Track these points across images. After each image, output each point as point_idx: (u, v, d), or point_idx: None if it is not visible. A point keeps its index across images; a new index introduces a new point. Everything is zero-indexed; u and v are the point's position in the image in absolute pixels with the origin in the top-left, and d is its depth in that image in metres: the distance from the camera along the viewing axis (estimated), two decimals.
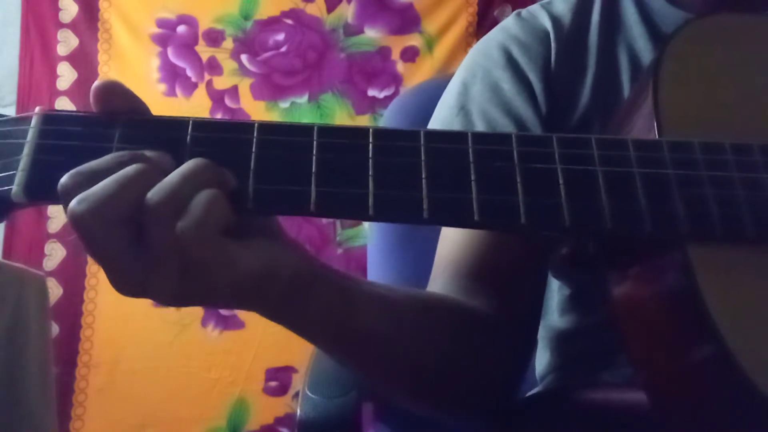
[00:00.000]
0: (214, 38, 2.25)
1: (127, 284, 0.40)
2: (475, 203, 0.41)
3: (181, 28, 2.24)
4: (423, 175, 0.41)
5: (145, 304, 2.11)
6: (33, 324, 1.49)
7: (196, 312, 2.11)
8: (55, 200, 0.40)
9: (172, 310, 2.11)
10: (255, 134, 0.41)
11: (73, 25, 2.21)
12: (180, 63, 2.23)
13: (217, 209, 0.39)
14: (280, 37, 2.27)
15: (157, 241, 0.38)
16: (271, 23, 2.27)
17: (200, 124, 0.42)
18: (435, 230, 0.68)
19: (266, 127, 0.42)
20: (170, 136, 0.41)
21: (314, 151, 0.41)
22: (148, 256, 0.39)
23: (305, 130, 0.42)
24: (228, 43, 2.25)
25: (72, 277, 2.11)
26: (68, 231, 1.99)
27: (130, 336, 2.09)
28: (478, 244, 0.63)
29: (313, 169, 0.40)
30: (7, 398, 1.42)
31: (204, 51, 2.24)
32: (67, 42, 2.20)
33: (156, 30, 2.23)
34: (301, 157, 0.41)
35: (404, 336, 0.54)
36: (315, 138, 0.41)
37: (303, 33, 2.27)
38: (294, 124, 0.42)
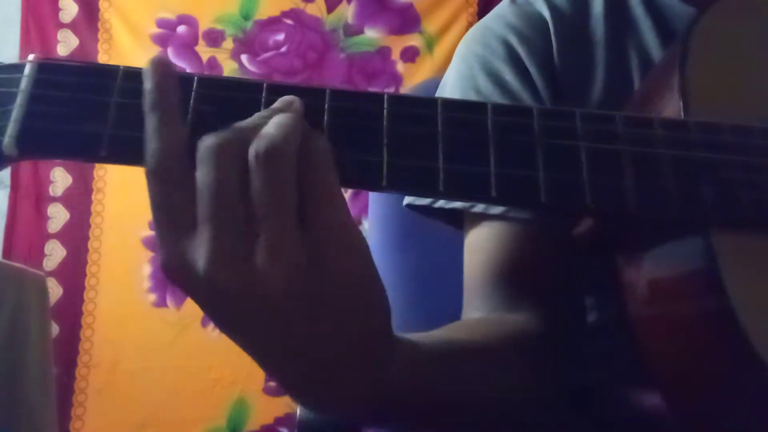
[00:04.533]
0: (214, 38, 2.25)
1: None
2: (493, 178, 0.39)
3: (181, 28, 2.24)
4: (439, 146, 0.39)
5: (145, 304, 2.11)
6: (33, 324, 1.49)
7: (196, 312, 2.11)
8: (48, 154, 0.38)
9: (172, 310, 2.11)
10: (264, 94, 0.39)
11: (73, 25, 2.21)
12: (180, 63, 2.22)
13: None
14: (280, 37, 2.27)
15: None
16: (271, 23, 2.27)
17: (204, 81, 0.40)
18: (435, 230, 0.68)
19: (274, 88, 0.40)
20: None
21: (325, 116, 0.39)
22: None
23: (316, 92, 0.40)
24: (228, 44, 2.25)
25: (72, 277, 2.11)
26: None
27: (130, 336, 2.09)
28: (510, 252, 0.59)
29: (324, 134, 0.38)
30: (7, 398, 1.42)
31: (204, 51, 2.24)
32: (67, 42, 2.20)
33: (156, 30, 2.23)
34: (310, 121, 0.39)
35: (471, 390, 0.48)
36: (327, 102, 0.39)
37: (303, 33, 2.27)
38: (304, 86, 0.40)
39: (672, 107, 0.46)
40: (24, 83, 0.38)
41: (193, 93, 0.39)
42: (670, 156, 0.42)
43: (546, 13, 0.67)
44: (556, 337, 0.55)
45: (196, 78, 0.39)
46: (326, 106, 0.39)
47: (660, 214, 0.41)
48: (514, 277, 0.58)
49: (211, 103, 0.39)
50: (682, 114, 0.45)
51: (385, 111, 0.40)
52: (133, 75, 0.39)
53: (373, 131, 0.39)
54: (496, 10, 0.72)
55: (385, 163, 0.39)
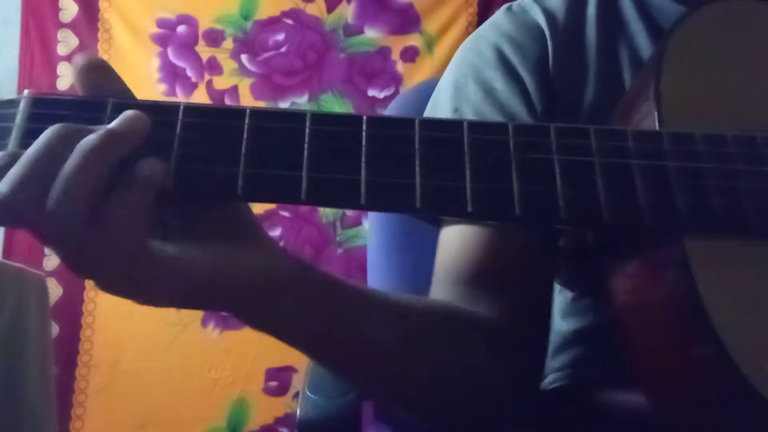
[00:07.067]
0: (214, 38, 2.25)
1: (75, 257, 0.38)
2: (468, 193, 0.40)
3: (181, 28, 2.24)
4: (417, 164, 0.41)
5: None
6: (33, 324, 1.49)
7: (196, 312, 2.11)
8: None
9: (172, 310, 2.11)
10: (247, 120, 0.40)
11: (73, 25, 2.21)
12: (180, 63, 2.23)
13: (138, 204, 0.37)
14: (280, 37, 2.27)
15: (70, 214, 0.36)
16: (271, 23, 2.27)
17: (191, 110, 0.41)
18: (435, 230, 0.68)
19: (258, 114, 0.41)
20: (160, 121, 0.40)
21: (306, 138, 0.40)
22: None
23: (298, 116, 0.41)
24: (228, 43, 2.25)
25: (72, 277, 2.11)
26: None
27: (130, 336, 2.09)
28: (476, 249, 0.61)
29: (305, 156, 0.40)
30: (7, 398, 1.42)
31: (204, 51, 2.24)
32: (67, 42, 2.20)
33: (156, 30, 2.23)
34: (293, 144, 0.40)
35: (406, 345, 0.51)
36: (308, 125, 0.41)
37: (303, 33, 2.27)
38: (287, 110, 0.42)
39: (648, 116, 0.47)
40: (18, 118, 0.40)
41: (179, 122, 0.40)
42: (642, 167, 0.43)
43: (541, 20, 0.68)
44: (511, 333, 0.57)
45: (181, 106, 0.41)
46: (307, 129, 0.41)
47: (633, 224, 0.42)
48: (474, 279, 0.60)
49: (197, 131, 0.40)
50: (657, 123, 0.46)
51: (363, 132, 0.41)
52: (122, 107, 0.40)
53: (352, 152, 0.41)
54: (492, 18, 0.73)
55: (363, 181, 0.40)
